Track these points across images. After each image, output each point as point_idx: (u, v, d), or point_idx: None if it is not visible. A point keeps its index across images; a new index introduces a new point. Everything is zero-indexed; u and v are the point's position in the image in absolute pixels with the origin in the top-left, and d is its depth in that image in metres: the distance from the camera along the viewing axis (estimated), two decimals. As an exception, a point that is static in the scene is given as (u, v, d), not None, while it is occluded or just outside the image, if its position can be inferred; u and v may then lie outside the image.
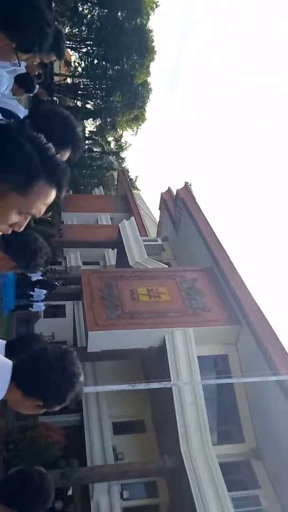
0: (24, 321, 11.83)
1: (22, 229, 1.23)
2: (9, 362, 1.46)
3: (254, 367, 10.37)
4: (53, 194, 1.19)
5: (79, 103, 25.79)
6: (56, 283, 11.66)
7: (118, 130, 25.14)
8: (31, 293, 11.58)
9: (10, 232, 1.23)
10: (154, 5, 23.95)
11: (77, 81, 24.61)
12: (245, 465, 10.15)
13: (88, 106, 25.65)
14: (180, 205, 15.49)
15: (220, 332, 11.26)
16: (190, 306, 11.78)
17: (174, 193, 16.27)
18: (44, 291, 11.16)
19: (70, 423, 12.08)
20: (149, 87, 24.35)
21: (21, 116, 2.60)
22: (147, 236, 17.76)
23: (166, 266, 13.97)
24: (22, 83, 3.41)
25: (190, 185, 15.86)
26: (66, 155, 1.78)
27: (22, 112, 2.93)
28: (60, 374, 1.42)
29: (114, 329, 10.81)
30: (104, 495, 10.63)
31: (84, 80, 25.01)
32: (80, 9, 25.25)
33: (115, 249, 15.92)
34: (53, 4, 22.26)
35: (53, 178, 1.17)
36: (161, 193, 17.81)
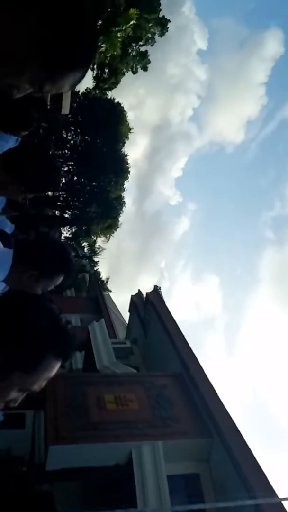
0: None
1: (17, 404, 1.07)
2: None
3: (229, 487, 8.68)
4: (57, 367, 1.08)
5: (57, 212, 26.07)
6: None
7: (92, 236, 25.29)
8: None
9: (2, 408, 1.07)
10: (129, 133, 25.53)
11: (57, 194, 25.12)
12: None
13: (66, 215, 25.95)
14: (150, 308, 14.56)
15: (191, 446, 9.63)
16: (159, 415, 10.21)
17: (144, 296, 15.44)
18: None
19: None
20: (123, 201, 25.08)
21: (8, 232, 2.51)
22: (116, 338, 16.46)
23: (135, 370, 12.56)
24: (13, 204, 3.19)
25: (159, 289, 15.19)
26: (58, 281, 1.80)
27: (8, 227, 2.86)
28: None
29: (78, 442, 9.07)
30: None
31: (63, 193, 25.59)
32: (65, 135, 26.72)
33: (83, 352, 14.45)
34: (41, 131, 23.51)
35: (61, 352, 1.08)
36: (131, 296, 17.00)
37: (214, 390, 10.70)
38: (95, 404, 10.18)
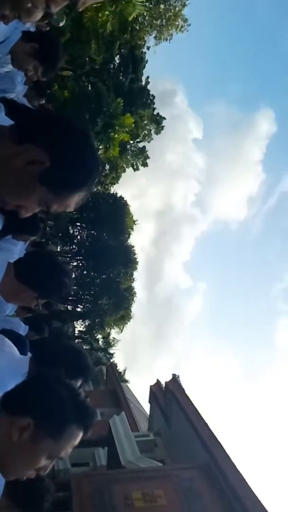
0: None
1: (46, 472, 1.22)
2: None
3: None
4: (80, 436, 1.22)
5: (69, 307, 27.05)
6: None
7: (106, 328, 25.88)
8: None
9: (33, 476, 1.19)
10: (134, 224, 27.34)
11: (68, 289, 26.13)
12: None
13: (78, 309, 26.86)
14: (170, 397, 14.89)
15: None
16: (189, 511, 10.26)
17: (163, 386, 15.83)
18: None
19: None
20: (133, 291, 26.09)
21: (22, 334, 2.66)
22: (138, 431, 16.48)
23: (161, 464, 12.66)
24: (25, 306, 3.53)
25: (178, 377, 15.57)
26: (77, 385, 1.84)
27: (22, 328, 3.00)
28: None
29: None
30: None
31: (74, 288, 26.68)
32: (71, 231, 28.51)
33: (106, 447, 14.56)
34: (48, 229, 25.16)
35: (83, 423, 1.20)
36: (150, 386, 17.28)
37: (244, 479, 10.77)
38: (123, 503, 10.30)
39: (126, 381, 25.52)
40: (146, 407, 18.88)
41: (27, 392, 1.18)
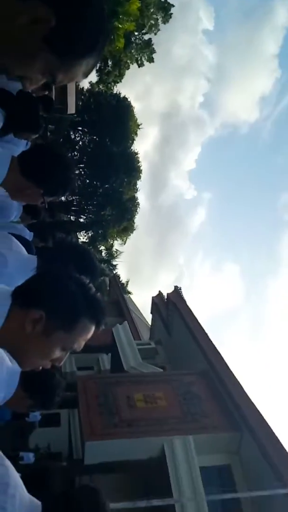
0: (19, 432, 10.98)
1: (62, 363, 1.25)
2: (38, 503, 1.29)
3: (260, 477, 9.56)
4: (93, 330, 1.23)
5: (72, 218, 26.98)
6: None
7: (109, 240, 26.09)
8: (22, 412, 10.90)
9: (49, 366, 1.23)
10: (137, 129, 26.18)
11: (70, 199, 26.00)
12: None
13: (81, 220, 26.83)
14: (171, 308, 15.46)
15: (221, 439, 10.54)
16: (188, 411, 11.16)
17: (165, 297, 16.35)
18: (35, 411, 10.49)
19: None
20: (137, 201, 25.82)
21: (29, 239, 2.67)
22: (140, 339, 17.41)
23: (161, 370, 13.50)
24: (29, 210, 3.54)
25: (180, 289, 16.01)
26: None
27: (28, 235, 3.02)
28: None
29: (112, 438, 10.06)
30: None
31: (76, 198, 26.43)
32: (72, 136, 27.49)
33: (109, 354, 15.46)
34: (48, 133, 24.23)
35: (95, 316, 1.21)
36: (152, 297, 17.89)
37: (240, 385, 11.56)
38: (125, 403, 11.18)
39: (129, 292, 26.43)
40: (148, 318, 19.74)
41: (38, 286, 1.20)
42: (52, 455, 11.24)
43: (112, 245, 26.93)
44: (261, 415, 10.58)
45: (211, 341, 13.35)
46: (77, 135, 28.20)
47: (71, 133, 27.57)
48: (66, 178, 1.95)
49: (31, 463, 10.77)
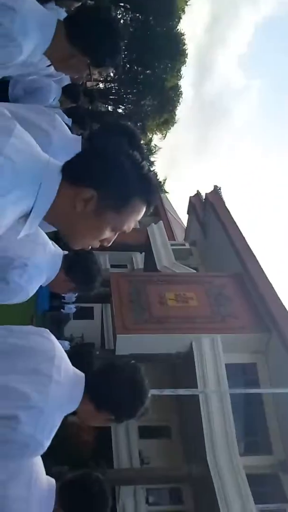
0: (55, 322, 11.79)
1: (110, 244, 1.24)
2: (82, 374, 1.50)
3: (284, 377, 9.97)
4: (144, 211, 1.20)
5: (110, 108, 25.77)
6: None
7: (148, 134, 24.97)
8: (63, 294, 11.48)
9: (97, 246, 1.23)
10: (185, 6, 23.60)
11: (109, 86, 24.60)
12: (273, 477, 9.72)
13: (119, 110, 25.61)
14: (209, 209, 15.13)
15: (249, 340, 10.88)
16: (218, 312, 11.44)
17: (203, 197, 15.93)
18: (75, 293, 11.00)
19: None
20: (180, 90, 24.11)
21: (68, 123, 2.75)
22: (175, 240, 17.45)
23: (194, 271, 13.65)
24: (69, 93, 3.47)
25: (219, 189, 15.49)
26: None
27: (67, 120, 2.95)
28: (133, 391, 1.49)
29: (142, 333, 10.60)
30: (130, 498, 10.42)
31: (115, 85, 24.97)
32: (114, 14, 25.14)
33: (143, 253, 15.68)
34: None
35: (147, 197, 1.17)
36: (190, 197, 17.48)
37: (273, 289, 11.60)
38: (157, 300, 11.56)
39: (166, 191, 25.74)
40: (184, 219, 19.53)
41: (90, 162, 1.14)
42: (85, 345, 12.12)
43: (151, 140, 25.75)
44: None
45: (247, 244, 13.20)
46: (118, 12, 25.82)
47: (113, 9, 25.19)
48: (115, 47, 1.76)
49: (67, 350, 11.69)
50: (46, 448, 1.34)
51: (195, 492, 10.56)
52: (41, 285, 2.05)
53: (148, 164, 26.48)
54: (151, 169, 25.98)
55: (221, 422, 9.50)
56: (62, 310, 11.46)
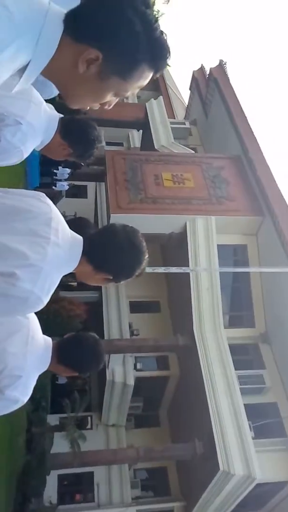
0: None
1: (111, 107, 1.19)
2: (80, 237, 1.52)
3: (272, 259, 10.41)
4: (150, 78, 1.12)
5: None
6: (81, 163, 11.44)
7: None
8: (54, 171, 11.37)
9: (97, 108, 1.18)
10: None
11: None
12: (253, 347, 10.69)
13: None
14: (212, 85, 14.36)
15: (242, 222, 11.13)
16: (214, 194, 11.52)
17: (207, 72, 15.01)
18: (68, 170, 10.91)
19: (89, 299, 12.66)
20: None
21: None
22: (175, 118, 16.78)
23: (193, 151, 13.40)
24: None
25: (225, 64, 14.56)
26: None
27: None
28: (131, 250, 1.50)
29: (137, 213, 10.76)
30: (119, 365, 11.47)
31: None
32: None
33: (140, 130, 15.19)
34: None
35: (156, 63, 1.08)
36: (193, 71, 16.43)
37: (271, 173, 11.55)
38: (153, 180, 11.51)
39: (168, 65, 23.91)
40: (185, 96, 18.52)
41: (95, 17, 1.00)
42: (82, 218, 12.33)
43: (153, 3, 23.38)
44: (285, 202, 10.87)
45: (250, 126, 12.83)
46: None
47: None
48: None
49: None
50: (45, 303, 1.39)
51: (181, 360, 11.66)
52: (30, 162, 2.05)
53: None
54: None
55: (209, 298, 10.13)
56: (53, 187, 11.43)
